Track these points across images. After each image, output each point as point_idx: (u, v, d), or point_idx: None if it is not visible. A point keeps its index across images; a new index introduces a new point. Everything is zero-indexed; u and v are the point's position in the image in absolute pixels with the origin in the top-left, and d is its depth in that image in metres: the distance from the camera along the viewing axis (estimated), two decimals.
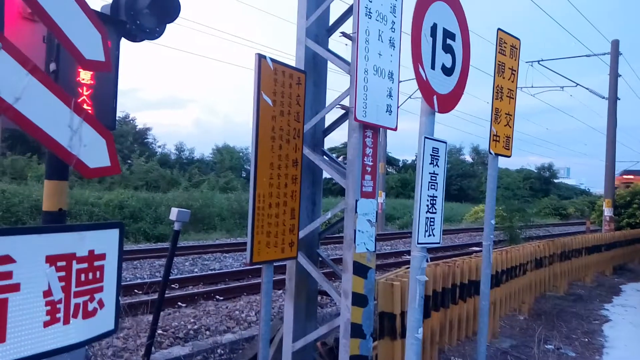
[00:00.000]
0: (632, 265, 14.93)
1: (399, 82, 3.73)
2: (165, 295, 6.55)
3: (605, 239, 13.04)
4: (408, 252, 15.43)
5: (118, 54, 2.83)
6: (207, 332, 6.01)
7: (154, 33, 3.11)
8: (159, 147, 41.71)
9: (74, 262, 1.43)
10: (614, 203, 16.34)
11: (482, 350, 4.30)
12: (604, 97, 17.02)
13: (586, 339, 6.77)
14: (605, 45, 17.30)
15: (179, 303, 7.42)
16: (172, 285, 8.55)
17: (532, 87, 18.25)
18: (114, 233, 1.56)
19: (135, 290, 8.01)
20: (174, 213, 3.89)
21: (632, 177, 28.97)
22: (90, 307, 1.48)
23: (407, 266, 5.28)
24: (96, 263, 1.49)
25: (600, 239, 12.51)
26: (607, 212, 16.08)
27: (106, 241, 1.53)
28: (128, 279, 9.03)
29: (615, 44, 16.94)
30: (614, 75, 16.72)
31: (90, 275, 1.47)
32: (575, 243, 10.49)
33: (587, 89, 17.84)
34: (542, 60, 17.15)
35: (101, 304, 1.52)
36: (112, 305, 1.56)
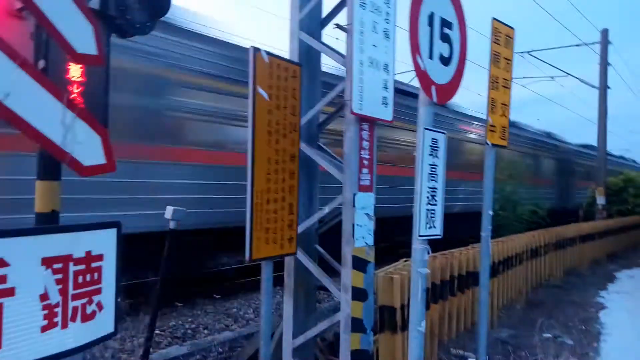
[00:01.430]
0: (625, 252, 15.07)
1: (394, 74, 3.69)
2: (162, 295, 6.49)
3: (599, 227, 13.15)
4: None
5: (108, 49, 2.76)
6: (205, 331, 5.97)
7: (144, 28, 3.03)
8: None
9: (71, 263, 1.37)
10: (606, 191, 16.46)
11: (483, 341, 4.30)
12: (594, 87, 17.11)
13: (583, 327, 6.80)
14: (595, 34, 17.34)
15: (176, 302, 7.36)
16: (169, 284, 8.47)
17: (522, 77, 18.29)
18: (112, 233, 1.51)
19: (132, 290, 7.92)
20: (169, 212, 3.83)
21: None
22: (89, 309, 1.43)
23: (405, 259, 5.26)
24: (94, 264, 1.44)
25: (593, 227, 12.62)
26: (600, 200, 16.20)
27: (103, 241, 1.48)
28: (124, 278, 8.94)
29: (605, 32, 17.02)
30: (604, 65, 16.81)
31: (88, 277, 1.42)
32: (569, 232, 10.57)
33: (577, 78, 17.92)
34: (533, 50, 17.18)
35: (100, 306, 1.48)
36: (111, 307, 1.51)
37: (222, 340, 5.43)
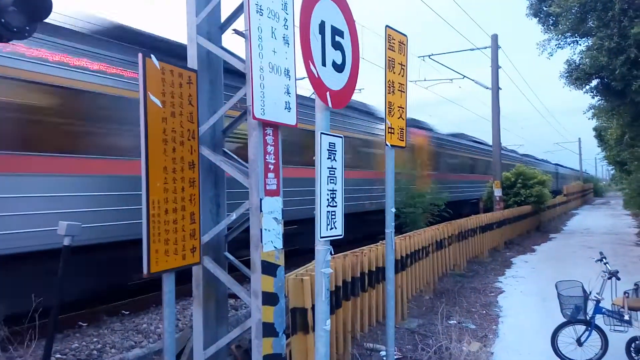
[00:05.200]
0: (520, 239, 16.52)
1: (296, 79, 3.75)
2: (62, 316, 6.03)
3: (496, 217, 14.27)
4: None
5: None
6: (113, 350, 5.65)
7: (23, 32, 2.83)
8: None
9: None
10: (502, 184, 17.90)
11: (391, 333, 4.50)
12: (487, 88, 18.55)
13: (484, 311, 7.37)
14: (486, 39, 18.80)
15: (79, 322, 6.87)
16: (70, 303, 7.89)
17: (424, 80, 19.39)
18: None
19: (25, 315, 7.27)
20: (62, 227, 3.58)
21: None
22: None
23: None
24: None
25: (492, 218, 13.66)
26: (497, 192, 17.59)
27: None
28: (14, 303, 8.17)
29: (495, 38, 18.52)
30: (495, 67, 18.28)
31: None
32: (470, 223, 11.35)
33: (472, 80, 19.32)
34: (433, 54, 18.26)
35: None
36: None
37: (131, 358, 5.18)
